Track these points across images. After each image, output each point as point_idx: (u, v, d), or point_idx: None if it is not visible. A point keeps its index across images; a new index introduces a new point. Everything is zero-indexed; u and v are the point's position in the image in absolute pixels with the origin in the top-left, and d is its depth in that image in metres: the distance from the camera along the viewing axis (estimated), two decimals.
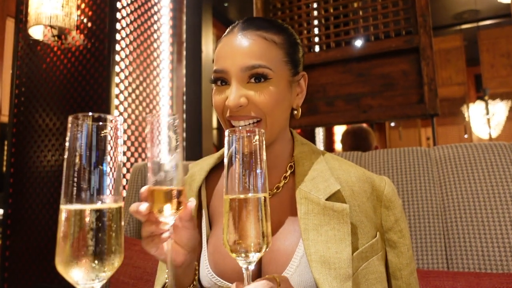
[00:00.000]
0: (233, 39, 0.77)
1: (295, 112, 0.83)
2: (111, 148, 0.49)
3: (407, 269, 0.78)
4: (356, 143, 2.52)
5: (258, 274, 0.78)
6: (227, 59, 0.76)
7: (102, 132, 0.48)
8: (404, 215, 0.81)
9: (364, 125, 2.69)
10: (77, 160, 0.47)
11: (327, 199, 0.73)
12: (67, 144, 0.47)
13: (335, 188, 0.74)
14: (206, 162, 0.91)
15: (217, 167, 0.91)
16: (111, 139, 0.49)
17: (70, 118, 0.47)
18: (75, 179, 0.46)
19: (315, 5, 2.23)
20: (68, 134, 0.47)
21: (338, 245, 0.69)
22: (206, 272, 0.79)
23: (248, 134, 0.52)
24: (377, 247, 0.76)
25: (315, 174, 0.78)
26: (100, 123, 0.48)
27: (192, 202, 0.65)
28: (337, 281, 0.66)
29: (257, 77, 0.74)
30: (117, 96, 2.08)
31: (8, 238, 2.22)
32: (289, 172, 0.83)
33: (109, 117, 0.48)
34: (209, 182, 0.90)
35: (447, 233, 1.08)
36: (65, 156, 0.47)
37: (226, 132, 0.53)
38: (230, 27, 0.82)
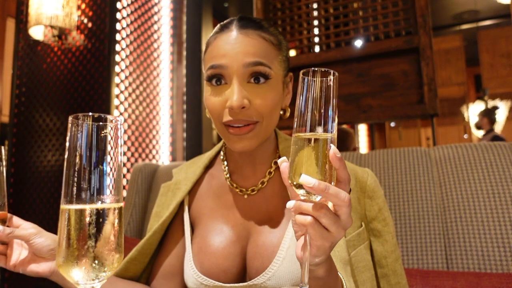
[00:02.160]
0: (232, 36, 0.75)
1: (281, 112, 0.82)
2: (111, 148, 0.49)
3: (392, 256, 0.79)
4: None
5: (243, 269, 0.78)
6: (226, 55, 0.73)
7: (102, 132, 0.48)
8: (386, 204, 0.82)
9: (346, 126, 2.68)
10: (77, 160, 0.47)
11: None
12: (67, 144, 0.48)
13: None
14: (192, 171, 0.91)
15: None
16: (111, 139, 0.49)
17: (70, 118, 0.47)
18: (75, 179, 0.47)
19: (315, 6, 2.23)
20: (68, 134, 0.48)
21: None
22: (191, 272, 0.78)
23: (322, 78, 0.52)
24: (363, 236, 0.78)
25: None
26: (100, 123, 0.48)
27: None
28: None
29: (258, 77, 0.73)
30: (117, 96, 2.09)
31: None
32: (274, 167, 0.83)
33: (109, 117, 0.49)
34: (192, 187, 0.90)
35: (447, 233, 1.09)
36: (65, 156, 0.48)
37: (301, 74, 0.52)
38: (223, 24, 0.79)
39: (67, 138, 0.48)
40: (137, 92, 2.24)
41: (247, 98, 0.72)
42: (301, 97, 0.52)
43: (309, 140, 0.51)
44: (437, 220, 1.11)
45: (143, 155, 2.26)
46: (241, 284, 0.75)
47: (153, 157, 2.35)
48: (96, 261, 0.46)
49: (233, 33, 0.75)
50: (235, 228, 0.81)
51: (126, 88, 2.15)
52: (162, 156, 2.44)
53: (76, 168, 0.47)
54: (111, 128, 0.49)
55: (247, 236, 0.80)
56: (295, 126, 0.52)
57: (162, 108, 2.45)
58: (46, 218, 2.11)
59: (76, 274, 0.46)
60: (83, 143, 0.47)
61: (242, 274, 0.78)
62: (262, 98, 0.73)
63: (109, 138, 0.48)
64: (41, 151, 2.18)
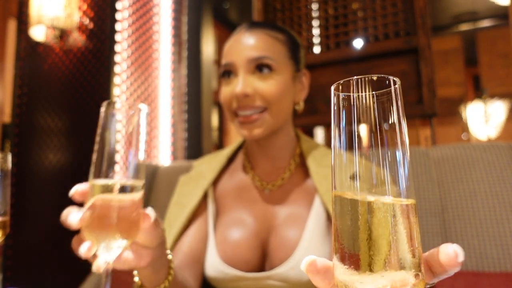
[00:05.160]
0: (240, 37, 0.83)
1: (297, 107, 0.88)
2: (137, 134, 0.54)
3: None
4: None
5: (263, 260, 0.80)
6: (234, 54, 0.81)
7: (130, 118, 0.54)
8: None
9: None
10: (105, 144, 0.53)
11: None
12: (98, 129, 0.53)
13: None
14: (217, 161, 0.95)
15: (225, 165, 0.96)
16: (138, 125, 0.54)
17: (103, 103, 0.54)
18: (103, 161, 0.52)
19: (314, 7, 2.24)
20: (100, 119, 0.53)
21: None
22: (213, 260, 0.81)
23: (377, 94, 0.32)
24: None
25: (329, 162, 0.83)
26: (129, 109, 0.54)
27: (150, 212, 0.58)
28: None
29: (262, 67, 0.79)
30: (118, 97, 2.10)
31: (11, 237, 2.23)
32: (293, 164, 0.87)
33: (136, 103, 0.55)
34: (216, 178, 0.94)
35: (445, 233, 1.09)
36: (97, 139, 0.53)
37: (332, 89, 0.35)
38: (237, 29, 0.88)
39: (99, 123, 0.53)
40: (138, 92, 2.25)
41: (252, 87, 0.79)
42: (338, 130, 0.33)
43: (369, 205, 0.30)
44: (436, 220, 1.12)
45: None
46: (263, 273, 0.78)
47: (154, 157, 2.36)
48: (117, 232, 0.51)
49: (241, 34, 0.84)
50: (256, 221, 0.84)
51: (127, 88, 2.16)
52: (163, 156, 2.45)
53: (105, 152, 0.52)
54: (138, 115, 0.54)
55: (269, 229, 0.83)
56: (333, 179, 0.33)
57: (163, 108, 2.46)
58: (49, 217, 2.12)
59: (98, 241, 0.51)
60: (112, 128, 0.53)
61: (262, 265, 0.81)
62: (266, 85, 0.79)
63: (136, 124, 0.54)
64: (42, 151, 2.19)
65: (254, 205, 0.86)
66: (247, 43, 0.81)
